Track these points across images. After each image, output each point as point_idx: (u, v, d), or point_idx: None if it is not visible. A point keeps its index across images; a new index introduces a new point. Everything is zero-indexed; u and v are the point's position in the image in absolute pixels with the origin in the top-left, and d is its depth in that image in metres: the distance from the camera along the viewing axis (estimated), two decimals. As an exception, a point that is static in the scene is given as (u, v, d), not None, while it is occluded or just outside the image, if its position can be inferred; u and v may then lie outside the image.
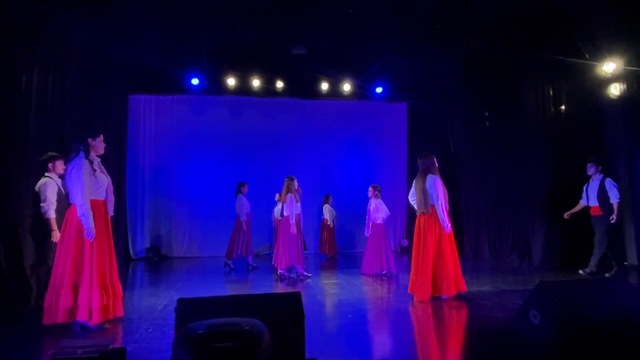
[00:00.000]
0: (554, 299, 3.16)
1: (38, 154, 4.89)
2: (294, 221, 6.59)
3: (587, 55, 6.39)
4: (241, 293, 5.71)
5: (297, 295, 2.75)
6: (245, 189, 7.87)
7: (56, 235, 4.33)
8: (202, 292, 5.78)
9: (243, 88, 9.38)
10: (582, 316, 3.09)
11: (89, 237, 3.73)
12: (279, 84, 9.40)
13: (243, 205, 7.76)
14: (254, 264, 7.86)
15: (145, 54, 7.73)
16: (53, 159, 4.63)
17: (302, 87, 9.69)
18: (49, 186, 4.50)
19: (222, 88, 9.33)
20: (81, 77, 5.88)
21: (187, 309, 2.48)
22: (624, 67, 5.49)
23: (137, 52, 7.55)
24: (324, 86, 9.60)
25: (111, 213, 4.08)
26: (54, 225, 4.39)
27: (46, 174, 4.60)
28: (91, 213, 3.75)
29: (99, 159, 4.05)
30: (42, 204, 4.42)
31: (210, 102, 10.16)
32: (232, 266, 7.64)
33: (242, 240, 7.68)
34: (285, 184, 6.80)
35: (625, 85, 5.48)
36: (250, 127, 10.41)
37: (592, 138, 7.36)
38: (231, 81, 9.19)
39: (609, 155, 7.49)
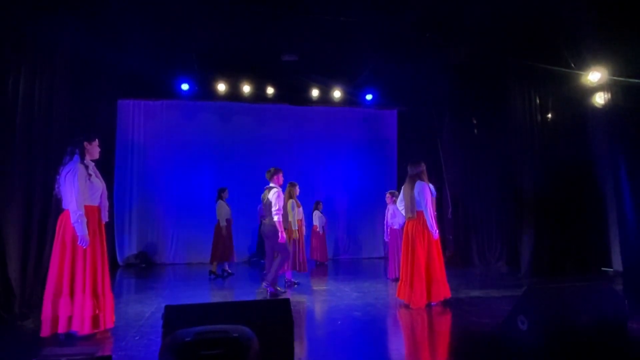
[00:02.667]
0: (542, 305, 3.19)
1: (24, 160, 4.83)
2: (296, 227, 6.56)
3: (572, 65, 6.50)
4: (229, 300, 5.67)
5: (286, 302, 2.74)
6: (225, 195, 7.79)
7: (283, 237, 5.61)
8: (190, 299, 5.72)
9: (233, 94, 9.36)
10: (569, 322, 3.12)
11: (82, 244, 3.64)
12: (270, 90, 9.40)
13: (223, 211, 7.69)
14: (230, 271, 7.73)
15: (134, 59, 7.68)
16: (277, 172, 5.91)
17: (292, 94, 9.70)
18: (280, 195, 5.69)
19: (212, 93, 9.30)
20: (69, 82, 5.82)
21: (174, 316, 2.46)
22: (608, 76, 5.58)
23: (127, 57, 7.50)
24: (315, 93, 9.62)
25: (105, 219, 3.99)
26: (282, 227, 5.62)
27: (271, 185, 5.82)
28: (85, 220, 3.65)
29: (94, 164, 3.97)
30: (274, 210, 5.55)
31: (200, 107, 10.13)
32: (217, 273, 7.55)
33: (224, 246, 7.60)
34: (287, 189, 6.78)
35: (609, 95, 5.56)
36: (240, 133, 10.38)
37: (578, 146, 7.48)
38: (221, 87, 9.17)
39: (595, 163, 7.62)
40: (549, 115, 7.66)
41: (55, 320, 3.56)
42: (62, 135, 5.52)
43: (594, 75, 5.94)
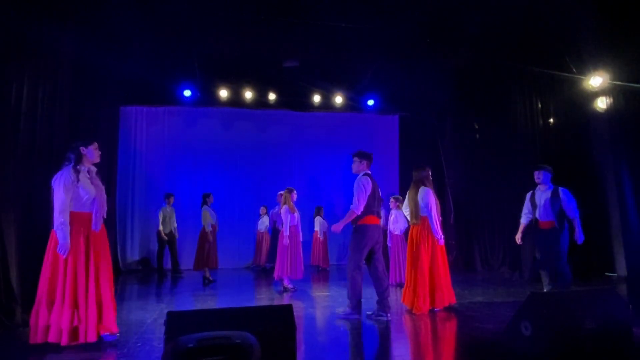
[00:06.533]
0: (545, 311, 3.17)
1: (26, 167, 4.85)
2: (287, 233, 6.58)
3: (574, 70, 6.51)
4: (231, 306, 5.65)
5: (288, 308, 2.73)
6: (210, 200, 7.80)
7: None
8: (192, 305, 5.71)
9: (235, 100, 9.40)
10: (573, 327, 3.10)
11: (60, 251, 3.51)
12: (272, 96, 9.43)
13: (208, 217, 7.68)
14: (212, 278, 7.67)
15: (137, 65, 7.73)
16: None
17: (294, 99, 9.73)
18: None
19: (214, 100, 9.34)
20: (72, 88, 5.85)
21: (176, 322, 2.45)
22: (610, 81, 5.59)
23: (129, 63, 7.55)
24: (316, 98, 9.65)
25: (96, 228, 3.75)
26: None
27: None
28: (66, 227, 3.52)
29: (96, 169, 3.88)
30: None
31: (203, 113, 10.16)
32: (211, 278, 7.54)
33: (209, 253, 7.59)
34: (284, 195, 6.80)
35: (611, 99, 5.56)
36: (242, 139, 10.41)
37: (580, 150, 7.47)
38: (223, 93, 9.21)
39: (597, 167, 7.60)
40: (551, 120, 7.66)
41: (41, 329, 3.48)
42: (65, 142, 5.53)
43: (596, 80, 5.95)
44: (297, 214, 6.85)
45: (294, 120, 10.56)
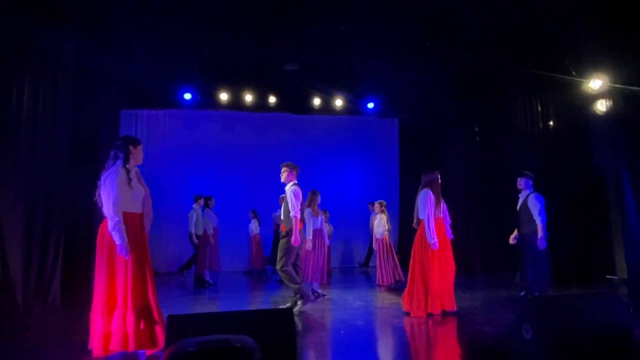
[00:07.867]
0: (546, 314, 3.16)
1: (27, 169, 4.86)
2: (310, 237, 6.17)
3: (574, 72, 6.52)
4: (232, 309, 5.64)
5: (288, 312, 2.73)
6: (211, 203, 7.81)
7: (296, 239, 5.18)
8: (193, 309, 5.70)
9: (235, 103, 9.41)
10: (574, 331, 3.10)
11: (122, 253, 3.27)
12: (272, 99, 9.44)
13: (210, 219, 7.68)
14: (211, 281, 7.65)
15: (137, 68, 7.74)
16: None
17: (294, 103, 9.75)
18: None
19: (214, 103, 9.35)
20: (72, 91, 5.87)
21: (177, 325, 2.45)
22: (609, 84, 5.60)
23: (130, 66, 7.56)
24: (316, 101, 9.67)
25: (146, 228, 3.57)
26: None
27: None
28: (123, 227, 3.29)
29: (138, 169, 3.75)
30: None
31: (203, 116, 10.18)
32: (210, 281, 7.54)
33: (211, 255, 7.58)
34: (308, 198, 6.66)
35: (611, 102, 5.58)
36: (242, 142, 10.43)
37: (580, 153, 7.48)
38: (224, 96, 9.22)
39: (597, 170, 7.61)
40: (551, 123, 7.67)
41: (97, 337, 3.24)
42: (65, 145, 5.56)
43: (595, 83, 5.96)
44: (320, 217, 6.65)
45: (294, 123, 10.57)
